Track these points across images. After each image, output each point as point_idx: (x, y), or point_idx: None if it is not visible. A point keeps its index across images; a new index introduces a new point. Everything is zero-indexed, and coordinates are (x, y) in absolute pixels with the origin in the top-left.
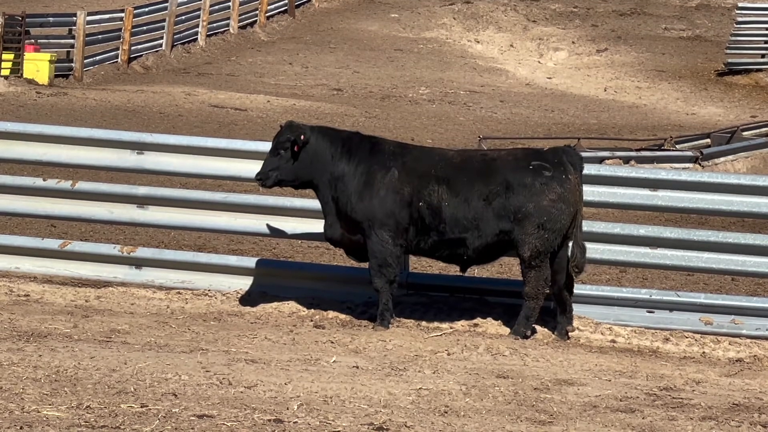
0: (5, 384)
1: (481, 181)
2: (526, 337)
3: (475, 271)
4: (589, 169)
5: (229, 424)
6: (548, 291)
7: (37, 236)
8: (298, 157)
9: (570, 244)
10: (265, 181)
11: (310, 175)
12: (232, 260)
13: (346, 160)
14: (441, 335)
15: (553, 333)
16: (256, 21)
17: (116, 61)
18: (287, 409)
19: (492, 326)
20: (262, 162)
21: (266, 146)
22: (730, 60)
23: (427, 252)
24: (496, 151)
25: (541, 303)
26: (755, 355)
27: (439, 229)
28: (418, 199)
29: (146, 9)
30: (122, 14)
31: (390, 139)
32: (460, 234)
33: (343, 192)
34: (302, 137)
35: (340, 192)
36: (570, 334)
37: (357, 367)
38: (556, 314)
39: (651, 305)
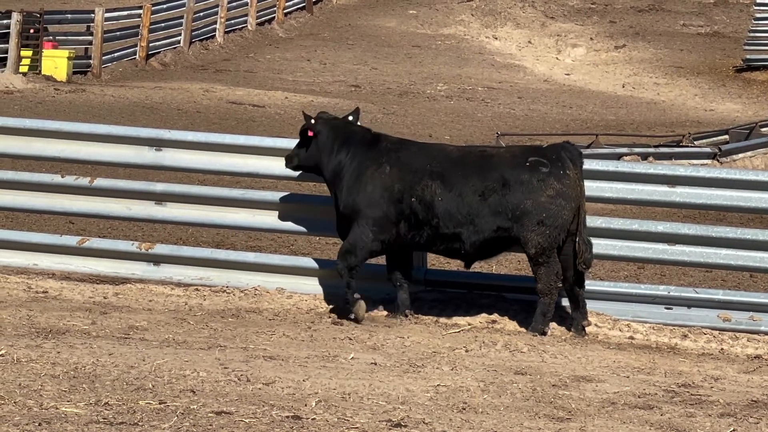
0: (24, 380)
1: (477, 177)
2: (544, 333)
3: (493, 268)
4: (607, 166)
5: (247, 420)
6: (560, 285)
7: (55, 233)
8: (308, 145)
9: (576, 240)
10: (288, 162)
11: (319, 165)
12: (250, 257)
13: (345, 153)
14: (459, 332)
15: (570, 330)
16: (274, 17)
17: (134, 58)
18: (305, 405)
19: (510, 323)
20: (280, 158)
21: (284, 143)
22: (748, 56)
23: (423, 246)
24: (495, 148)
25: (555, 298)
26: None
27: (433, 224)
28: (410, 195)
29: (164, 6)
30: (140, 11)
31: (394, 136)
32: (454, 229)
33: (339, 186)
34: (312, 122)
35: (337, 185)
36: (586, 328)
37: (375, 364)
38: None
39: (669, 302)
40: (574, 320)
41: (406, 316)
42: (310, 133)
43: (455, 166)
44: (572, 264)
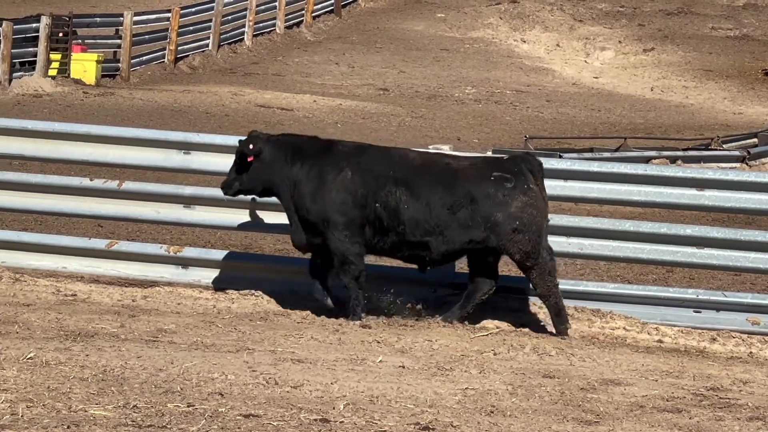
0: (52, 383)
1: (444, 190)
2: (568, 329)
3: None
4: (635, 169)
5: (275, 423)
6: (558, 282)
7: (84, 236)
8: (248, 168)
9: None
10: (226, 190)
11: (269, 184)
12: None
13: (300, 164)
14: (487, 335)
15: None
16: (302, 21)
17: (163, 61)
18: (333, 408)
19: (538, 326)
20: None
21: None
22: None
23: (388, 252)
24: (457, 159)
25: (559, 295)
26: None
27: (399, 230)
28: (374, 200)
29: (193, 9)
30: (169, 14)
31: (349, 141)
32: (422, 237)
33: (300, 196)
34: (250, 147)
35: (297, 197)
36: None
37: (403, 367)
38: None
39: (698, 305)
40: (450, 312)
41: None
42: (250, 158)
43: (420, 174)
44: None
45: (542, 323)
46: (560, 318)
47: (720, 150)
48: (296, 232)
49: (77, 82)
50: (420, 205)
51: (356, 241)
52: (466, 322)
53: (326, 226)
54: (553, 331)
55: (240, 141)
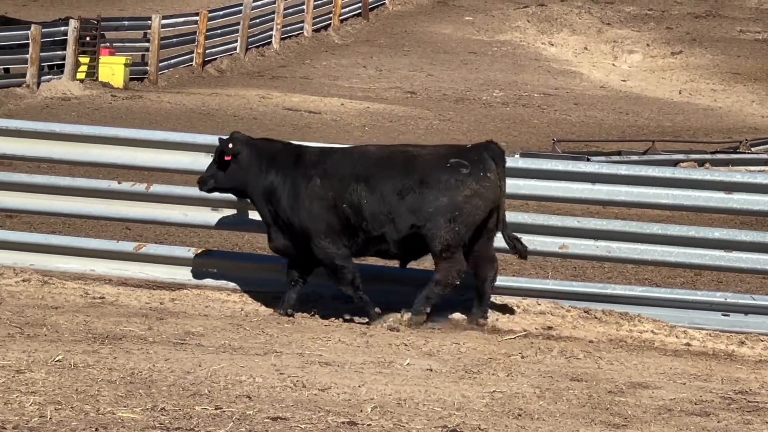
0: (81, 386)
1: (398, 177)
2: (423, 313)
3: (549, 274)
4: (663, 172)
5: (303, 426)
6: (457, 284)
7: (112, 239)
8: (226, 167)
9: (504, 238)
10: (202, 185)
11: (243, 186)
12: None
13: (275, 173)
14: (515, 338)
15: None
16: (330, 24)
17: (191, 65)
18: (361, 411)
19: (566, 329)
20: None
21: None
22: None
23: (361, 251)
24: (420, 148)
25: (447, 291)
26: None
27: (363, 227)
28: (341, 201)
29: (221, 12)
30: (197, 17)
31: (316, 147)
32: (380, 230)
33: (279, 206)
34: (230, 146)
35: (275, 206)
36: (485, 325)
37: (431, 370)
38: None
39: (726, 308)
40: (472, 315)
41: (288, 314)
42: (228, 157)
43: (379, 167)
44: (490, 260)
45: (570, 326)
46: (427, 301)
47: (748, 153)
48: (274, 237)
49: (105, 85)
50: (376, 196)
51: (339, 245)
52: (494, 326)
53: (308, 237)
54: (582, 334)
55: (220, 139)
